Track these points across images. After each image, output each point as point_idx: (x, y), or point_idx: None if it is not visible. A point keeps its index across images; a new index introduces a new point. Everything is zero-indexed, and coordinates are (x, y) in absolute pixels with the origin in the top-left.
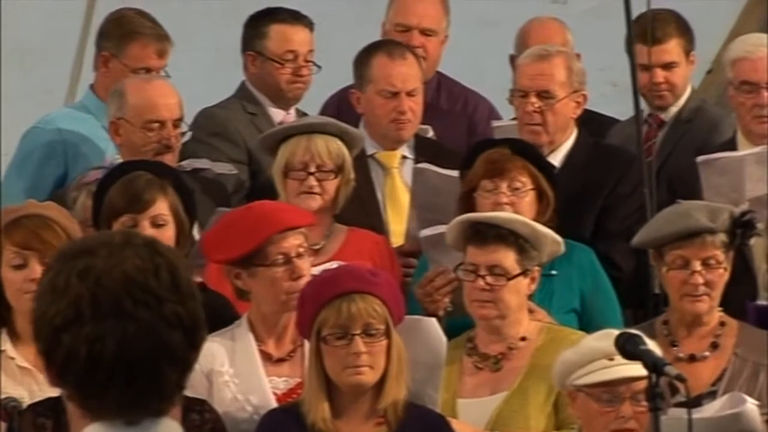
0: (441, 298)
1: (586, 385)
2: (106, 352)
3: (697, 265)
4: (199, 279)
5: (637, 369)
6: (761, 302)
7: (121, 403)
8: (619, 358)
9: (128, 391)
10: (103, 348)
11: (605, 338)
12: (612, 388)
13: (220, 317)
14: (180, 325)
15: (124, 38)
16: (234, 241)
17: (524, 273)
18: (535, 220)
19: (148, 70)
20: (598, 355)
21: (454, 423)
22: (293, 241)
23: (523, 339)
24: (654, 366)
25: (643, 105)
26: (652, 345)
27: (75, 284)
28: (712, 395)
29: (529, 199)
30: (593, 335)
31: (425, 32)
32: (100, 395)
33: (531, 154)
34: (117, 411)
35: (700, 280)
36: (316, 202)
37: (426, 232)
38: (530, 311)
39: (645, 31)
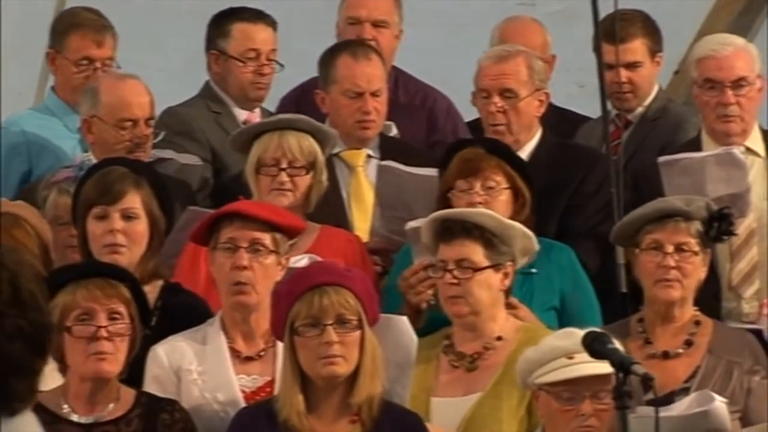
0: (424, 290)
1: (547, 383)
2: None
3: (670, 248)
4: (174, 280)
5: (597, 367)
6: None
7: None
8: (579, 357)
9: None
10: None
11: (566, 337)
12: (572, 387)
13: (194, 316)
14: (21, 337)
15: (64, 33)
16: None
17: (494, 267)
18: (512, 218)
19: (90, 60)
20: (558, 354)
21: (428, 427)
22: (250, 233)
23: (499, 338)
24: (621, 365)
25: (610, 105)
26: (618, 344)
27: None
28: (685, 392)
29: (503, 197)
30: (555, 334)
31: (376, 24)
32: None
33: (506, 153)
34: None
35: (672, 263)
36: (287, 199)
37: (410, 224)
38: (513, 307)
39: (611, 30)
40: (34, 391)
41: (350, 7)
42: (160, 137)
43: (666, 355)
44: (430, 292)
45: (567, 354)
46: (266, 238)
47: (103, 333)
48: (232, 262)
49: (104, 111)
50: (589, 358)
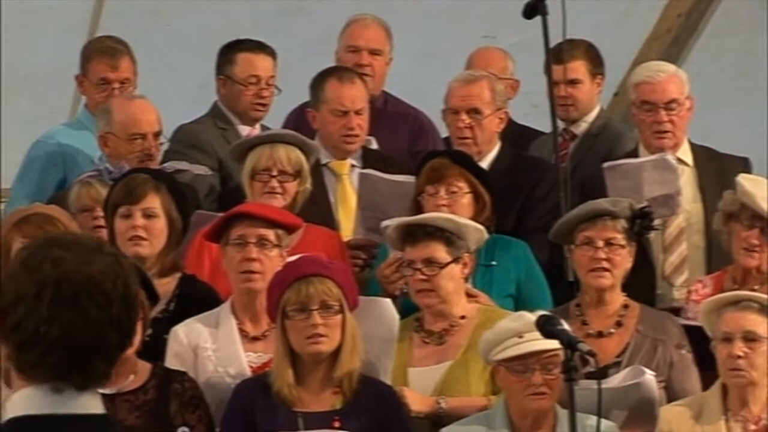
0: (396, 280)
1: (503, 359)
2: (50, 334)
3: (600, 243)
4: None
5: (543, 344)
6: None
7: (48, 378)
8: (528, 335)
9: (57, 370)
10: (48, 330)
11: (517, 319)
12: (523, 361)
13: (207, 302)
14: (120, 329)
15: (87, 59)
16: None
17: (455, 261)
18: (474, 217)
19: (107, 82)
20: (510, 334)
21: (406, 391)
22: (256, 230)
23: (462, 317)
24: (569, 343)
25: (560, 122)
26: (566, 325)
27: (45, 268)
28: (617, 365)
29: (465, 200)
30: (507, 317)
31: (372, 52)
32: (33, 367)
33: (468, 163)
34: (44, 380)
35: (603, 255)
36: (277, 201)
37: (385, 223)
38: (473, 296)
39: (559, 53)
40: (109, 376)
41: (350, 38)
42: (165, 147)
43: (600, 335)
44: (401, 282)
45: (518, 333)
46: (271, 234)
47: None
48: (242, 255)
49: (117, 128)
50: (536, 336)
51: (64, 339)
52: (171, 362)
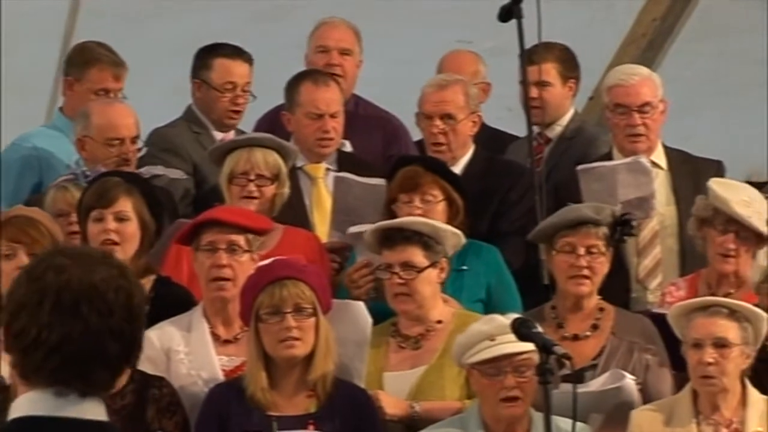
0: (364, 285)
1: (476, 362)
2: (50, 339)
3: (582, 251)
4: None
5: (515, 346)
6: (655, 309)
7: (49, 382)
8: (500, 338)
9: (58, 375)
10: (49, 336)
11: (489, 322)
12: (496, 364)
13: (182, 305)
14: (122, 339)
15: (85, 64)
16: (186, 226)
17: (432, 265)
18: (448, 224)
19: (107, 91)
20: (482, 337)
21: (380, 395)
22: (227, 236)
23: (439, 322)
24: (544, 346)
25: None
26: (540, 328)
27: (49, 276)
28: (593, 368)
29: (440, 208)
30: (480, 320)
31: (342, 52)
32: (34, 371)
33: (442, 170)
34: (46, 385)
35: (584, 263)
36: (255, 205)
37: (352, 229)
38: (444, 301)
39: (531, 55)
40: (112, 385)
41: (319, 38)
42: (142, 152)
43: (576, 338)
44: (368, 287)
45: (490, 336)
46: (241, 240)
47: None
48: (212, 262)
49: (95, 131)
50: (508, 339)
51: (64, 345)
52: (143, 366)
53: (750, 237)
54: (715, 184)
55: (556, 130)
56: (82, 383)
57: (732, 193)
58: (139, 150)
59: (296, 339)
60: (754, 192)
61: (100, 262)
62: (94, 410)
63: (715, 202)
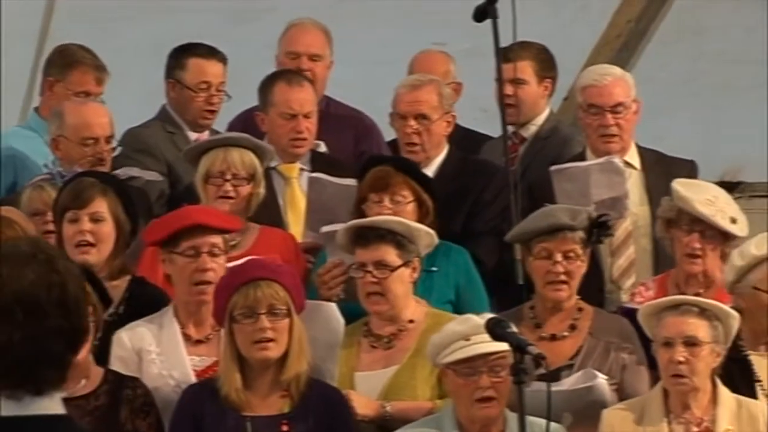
0: (335, 286)
1: (450, 362)
2: None
3: (559, 257)
4: (140, 274)
5: (490, 346)
6: (627, 305)
7: (1, 387)
8: (474, 338)
9: (7, 380)
10: None
11: (464, 322)
12: (470, 364)
13: (157, 305)
14: (62, 336)
15: (68, 66)
16: (161, 227)
17: (405, 264)
18: None
19: (87, 94)
20: (457, 337)
21: (352, 395)
22: (207, 239)
23: (411, 321)
24: (518, 346)
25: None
26: (514, 328)
27: None
28: (569, 368)
29: (409, 208)
30: (454, 320)
31: (312, 58)
32: None
33: (412, 171)
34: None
35: (561, 269)
36: (230, 205)
37: (324, 228)
38: (415, 302)
39: (507, 53)
40: (63, 380)
41: (289, 43)
42: (117, 152)
43: (554, 338)
44: (339, 288)
45: (465, 336)
46: (220, 242)
47: None
48: (195, 266)
49: (69, 131)
50: (483, 339)
51: (5, 351)
52: (115, 366)
53: (715, 236)
54: (678, 184)
55: (531, 129)
56: (33, 385)
57: (695, 192)
58: (114, 150)
59: (270, 340)
60: (719, 191)
61: (29, 260)
62: (52, 406)
63: (678, 203)
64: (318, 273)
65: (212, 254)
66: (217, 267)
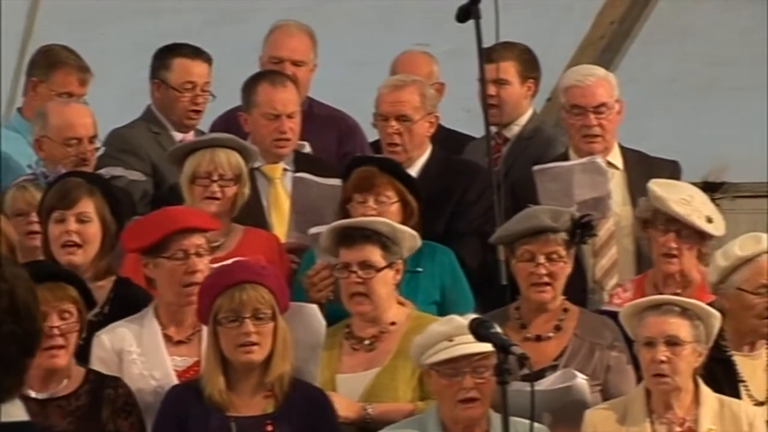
0: (324, 288)
1: (434, 363)
2: None
3: (542, 259)
4: (125, 275)
5: (473, 347)
6: (605, 308)
7: None
8: (458, 339)
9: None
10: None
11: (447, 323)
12: (454, 364)
13: (142, 306)
14: (15, 341)
15: (52, 66)
16: (143, 233)
17: (389, 266)
18: (402, 225)
19: (70, 95)
20: (440, 338)
21: (333, 396)
22: (194, 241)
23: (392, 323)
24: (502, 346)
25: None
26: (498, 328)
27: None
28: (554, 368)
29: (393, 209)
30: (438, 321)
31: (295, 63)
32: None
33: (396, 171)
34: None
35: (544, 271)
36: (216, 206)
37: (312, 230)
38: (400, 304)
39: (490, 53)
40: (21, 384)
41: (273, 47)
42: (100, 152)
43: (539, 338)
44: (329, 290)
45: (448, 337)
46: (203, 242)
47: (56, 332)
48: (185, 269)
49: (52, 131)
50: (466, 340)
51: None
52: (96, 367)
53: (691, 235)
54: (654, 184)
55: (514, 130)
56: None
57: (671, 192)
58: (97, 150)
59: (254, 344)
60: (695, 191)
61: None
62: (13, 411)
63: (654, 203)
64: (307, 275)
65: (199, 255)
66: (204, 268)
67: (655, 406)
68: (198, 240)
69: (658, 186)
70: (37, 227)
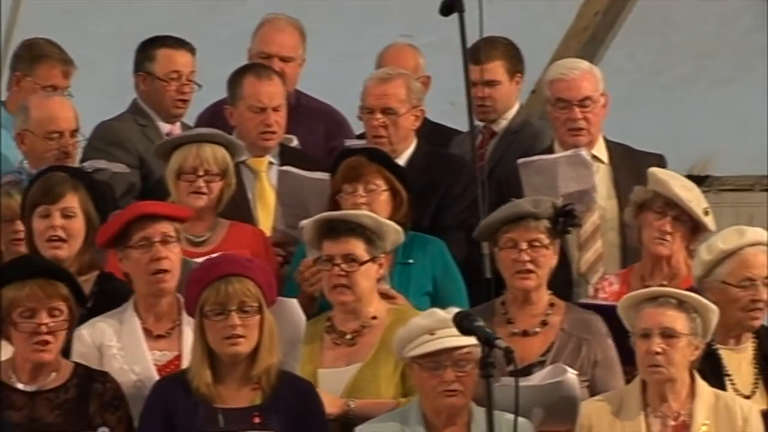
0: (317, 282)
1: (415, 356)
2: None
3: (524, 245)
4: (109, 271)
5: (454, 340)
6: (585, 300)
7: None
8: (439, 333)
9: None
10: None
11: (428, 317)
12: (435, 358)
13: (126, 300)
14: None
15: (35, 60)
16: (108, 225)
17: (372, 260)
18: (392, 214)
19: (54, 88)
20: (421, 331)
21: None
22: (158, 228)
23: (374, 318)
24: (486, 339)
25: (476, 119)
26: (482, 322)
27: None
28: (541, 364)
29: (383, 198)
30: (420, 314)
31: (283, 59)
32: None
33: (385, 160)
34: None
35: (527, 257)
36: (203, 201)
37: (303, 223)
38: (391, 297)
39: (476, 53)
40: None
41: (262, 43)
42: (82, 145)
43: (525, 333)
44: (320, 284)
45: (429, 331)
46: (171, 230)
47: (44, 329)
48: (150, 256)
49: (34, 125)
50: (448, 333)
51: None
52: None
53: (686, 223)
54: (655, 171)
55: (502, 123)
56: None
57: (673, 177)
58: (78, 143)
59: (240, 336)
60: (691, 184)
61: None
62: None
63: (655, 186)
64: (298, 270)
65: (165, 242)
66: (172, 255)
67: (651, 399)
68: (163, 227)
69: (659, 172)
70: (22, 235)
